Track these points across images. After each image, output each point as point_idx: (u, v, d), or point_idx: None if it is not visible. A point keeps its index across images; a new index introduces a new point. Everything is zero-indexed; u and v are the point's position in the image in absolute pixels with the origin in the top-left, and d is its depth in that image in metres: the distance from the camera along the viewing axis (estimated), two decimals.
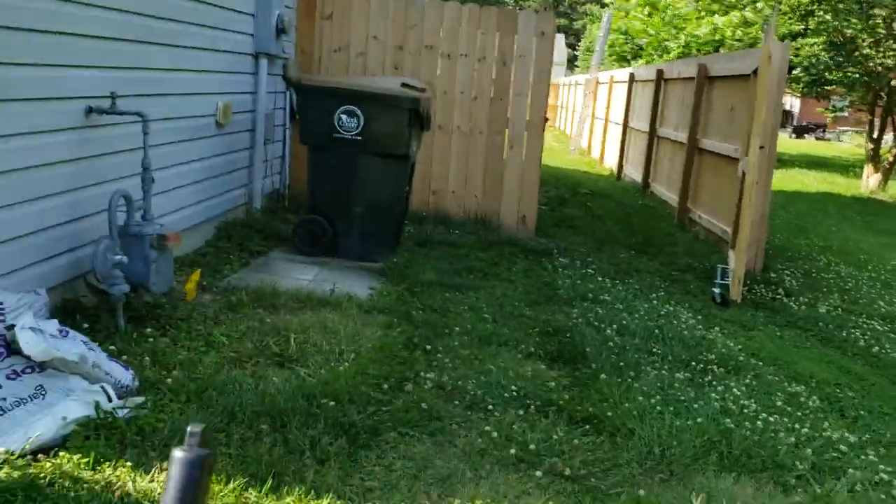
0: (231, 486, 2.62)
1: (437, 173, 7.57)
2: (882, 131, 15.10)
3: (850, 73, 13.75)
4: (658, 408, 3.62)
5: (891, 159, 15.01)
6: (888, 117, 14.85)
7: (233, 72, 6.03)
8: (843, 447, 3.49)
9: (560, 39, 51.64)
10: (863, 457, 3.44)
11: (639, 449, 3.26)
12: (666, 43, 19.04)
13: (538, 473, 2.98)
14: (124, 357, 3.38)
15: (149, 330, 3.78)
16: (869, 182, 15.24)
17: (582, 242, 7.63)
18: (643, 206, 10.75)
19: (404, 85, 5.89)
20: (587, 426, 3.43)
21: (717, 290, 5.91)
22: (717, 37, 14.27)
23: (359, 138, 5.73)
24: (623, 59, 22.31)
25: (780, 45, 7.06)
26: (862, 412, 4.07)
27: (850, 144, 33.23)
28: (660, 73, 11.69)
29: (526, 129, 7.49)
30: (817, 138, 39.79)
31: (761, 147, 5.99)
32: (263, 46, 6.46)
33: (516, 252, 6.72)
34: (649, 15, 20.25)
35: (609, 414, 3.52)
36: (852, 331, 5.69)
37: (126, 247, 3.83)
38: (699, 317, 5.36)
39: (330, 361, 3.79)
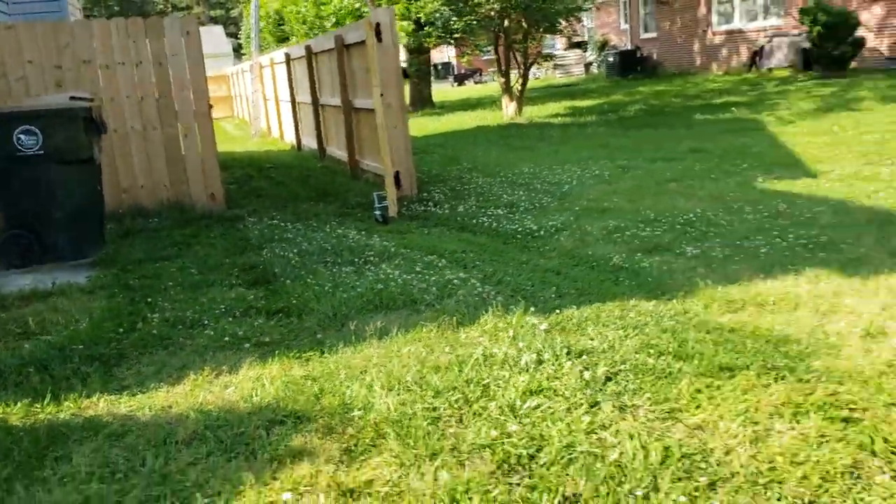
0: (18, 405, 3.54)
1: (124, 172, 8.32)
2: (508, 66, 17.83)
3: (468, 21, 16.16)
4: (331, 291, 4.99)
5: (520, 88, 17.85)
6: (509, 53, 17.59)
7: None
8: (456, 282, 5.10)
9: (219, 31, 51.43)
10: (469, 284, 5.07)
11: (318, 317, 4.60)
12: (321, 19, 20.52)
13: (247, 346, 4.21)
14: None
15: None
16: (508, 111, 17.99)
17: (269, 205, 8.84)
18: (322, 168, 12.17)
19: (73, 98, 6.64)
20: (280, 314, 4.71)
21: (377, 213, 7.45)
22: (350, 7, 15.96)
23: (41, 152, 6.40)
24: (283, 40, 23.49)
25: (386, 10, 8.68)
26: (477, 263, 5.76)
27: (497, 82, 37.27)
28: (308, 48, 13.07)
29: (195, 118, 8.47)
30: (476, 82, 44.10)
31: (382, 94, 7.58)
32: None
33: (211, 223, 7.78)
34: None
35: (294, 302, 4.83)
36: (482, 218, 7.51)
37: None
38: (363, 233, 6.87)
39: (69, 327, 4.68)
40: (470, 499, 2.60)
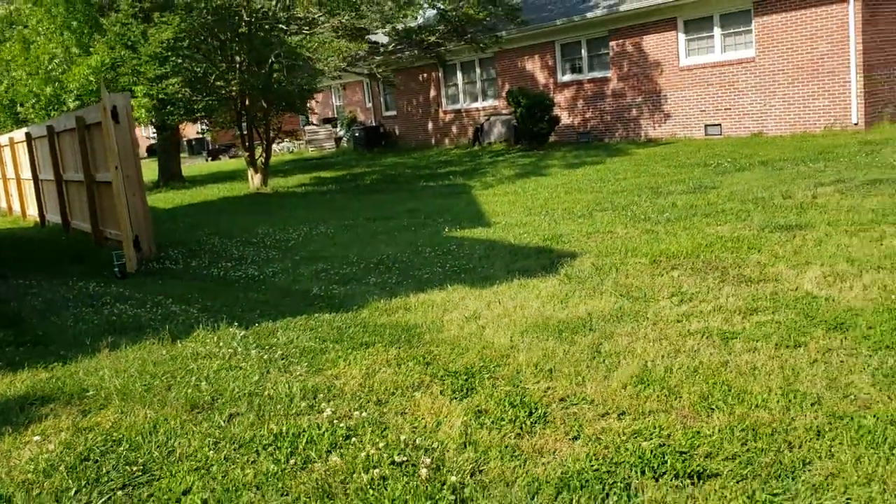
0: None
1: None
2: (252, 141, 19.27)
3: (209, 102, 17.43)
4: (72, 325, 6.08)
5: (264, 161, 19.32)
6: (252, 130, 19.05)
7: None
8: (178, 312, 6.38)
9: None
10: (189, 313, 6.37)
11: (62, 343, 5.69)
12: (58, 97, 20.67)
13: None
14: None
15: None
16: (254, 182, 19.34)
17: (14, 271, 9.51)
18: (67, 240, 12.80)
19: None
20: (28, 344, 5.75)
21: (116, 269, 8.51)
22: (93, 87, 16.58)
23: None
24: (19, 120, 23.16)
25: (122, 95, 9.82)
26: (199, 300, 7.05)
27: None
28: (50, 128, 13.69)
29: None
30: (231, 157, 44.93)
31: (118, 168, 8.72)
32: None
33: None
34: (29, 75, 21.45)
35: (40, 334, 5.91)
36: (211, 270, 8.82)
37: None
38: (103, 285, 7.93)
39: None
40: (168, 423, 3.94)
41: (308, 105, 20.60)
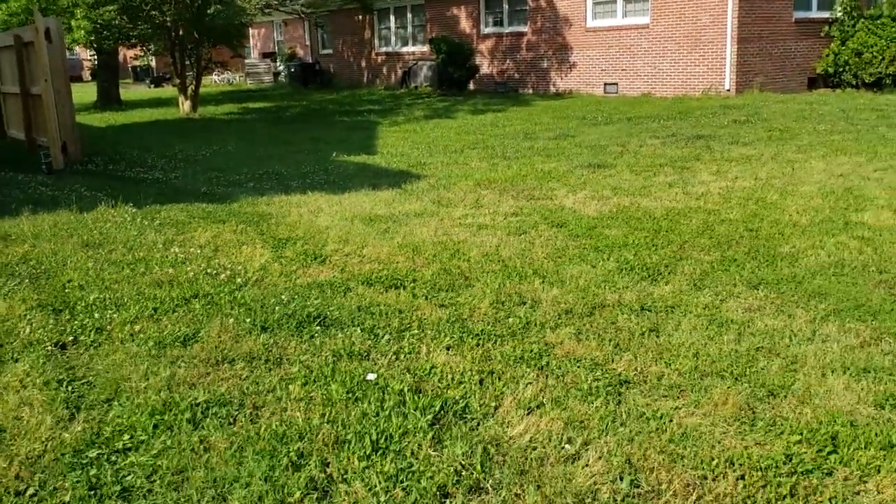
0: None
1: None
2: (183, 69, 20.55)
3: (143, 29, 18.67)
4: (3, 199, 7.73)
5: (194, 89, 20.67)
6: (184, 58, 20.33)
7: None
8: (88, 195, 8.06)
9: None
10: (97, 196, 8.05)
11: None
12: None
13: None
14: None
15: None
16: (184, 108, 20.70)
17: None
18: (2, 145, 14.18)
19: None
20: None
21: (43, 166, 10.09)
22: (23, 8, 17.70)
23: None
24: None
25: (53, 19, 11.24)
26: (108, 190, 8.71)
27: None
28: None
29: None
30: (174, 85, 45.60)
31: (46, 80, 10.23)
32: None
33: None
34: None
35: None
36: (126, 173, 10.45)
37: None
38: (31, 176, 9.52)
39: None
40: (65, 251, 5.70)
41: (238, 41, 21.90)
